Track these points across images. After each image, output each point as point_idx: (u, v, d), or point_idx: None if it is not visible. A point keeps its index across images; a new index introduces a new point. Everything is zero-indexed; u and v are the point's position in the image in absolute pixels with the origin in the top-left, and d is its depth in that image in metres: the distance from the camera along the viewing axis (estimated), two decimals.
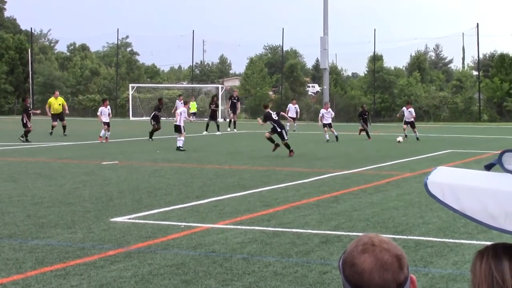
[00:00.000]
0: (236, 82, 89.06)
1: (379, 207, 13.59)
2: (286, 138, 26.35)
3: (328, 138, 34.55)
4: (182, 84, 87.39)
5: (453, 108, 63.00)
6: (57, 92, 41.71)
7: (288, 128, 41.91)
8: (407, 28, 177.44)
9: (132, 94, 67.49)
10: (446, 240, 10.49)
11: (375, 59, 68.91)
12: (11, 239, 10.30)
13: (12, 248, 9.73)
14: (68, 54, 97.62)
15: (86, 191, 15.55)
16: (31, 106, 35.56)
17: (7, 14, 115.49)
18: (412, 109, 37.79)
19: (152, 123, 35.02)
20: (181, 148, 27.67)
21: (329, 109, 36.63)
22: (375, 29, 68.34)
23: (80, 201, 14.08)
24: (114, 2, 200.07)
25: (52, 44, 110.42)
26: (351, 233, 10.87)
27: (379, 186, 16.93)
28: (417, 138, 34.81)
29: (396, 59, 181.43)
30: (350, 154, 26.79)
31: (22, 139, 32.09)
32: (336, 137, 34.36)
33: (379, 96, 66.45)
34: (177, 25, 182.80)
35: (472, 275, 2.17)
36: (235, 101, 45.39)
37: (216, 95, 49.05)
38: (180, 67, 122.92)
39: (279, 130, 26.32)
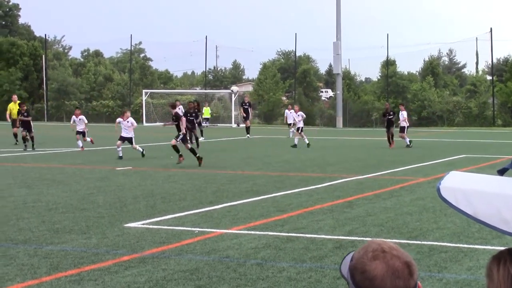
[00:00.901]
0: (249, 88, 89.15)
1: (393, 212, 13.57)
2: (178, 141, 24.44)
3: (296, 143, 33.74)
4: (195, 89, 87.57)
5: (466, 113, 62.80)
6: (15, 96, 39.70)
7: (291, 135, 41.90)
8: (420, 33, 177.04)
9: (145, 100, 67.67)
10: (461, 245, 10.46)
11: (388, 64, 68.82)
12: (26, 245, 10.35)
13: (27, 253, 9.78)
14: (81, 60, 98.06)
15: (100, 197, 15.60)
16: (24, 113, 33.80)
17: (21, 21, 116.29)
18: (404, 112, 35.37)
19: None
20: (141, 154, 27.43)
21: (300, 112, 35.45)
22: (388, 34, 68.32)
23: (94, 207, 14.13)
24: (127, 8, 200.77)
25: (66, 50, 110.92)
26: (365, 238, 10.85)
27: (393, 191, 16.90)
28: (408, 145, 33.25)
29: (409, 64, 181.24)
30: (364, 159, 26.75)
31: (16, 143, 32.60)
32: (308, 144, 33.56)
33: (392, 101, 66.27)
34: (190, 31, 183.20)
35: (488, 281, 2.17)
36: (246, 106, 45.38)
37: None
38: (193, 72, 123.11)
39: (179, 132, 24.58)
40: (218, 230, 11.59)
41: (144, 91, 70.09)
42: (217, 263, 9.22)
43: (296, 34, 71.44)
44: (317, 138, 43.61)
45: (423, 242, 10.64)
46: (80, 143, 30.85)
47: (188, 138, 25.16)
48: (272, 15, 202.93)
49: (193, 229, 11.68)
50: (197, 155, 24.28)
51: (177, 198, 15.54)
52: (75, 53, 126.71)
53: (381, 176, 20.48)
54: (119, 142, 26.66)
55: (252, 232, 11.48)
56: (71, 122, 32.06)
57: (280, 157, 27.73)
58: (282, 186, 17.89)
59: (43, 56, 79.42)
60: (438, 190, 2.18)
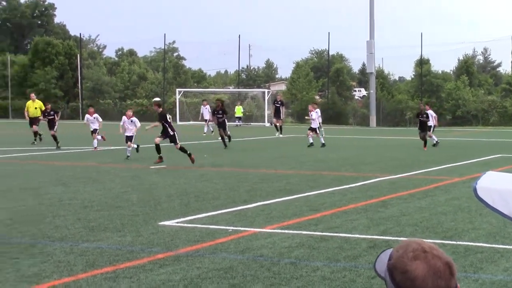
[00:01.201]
0: (282, 87, 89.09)
1: (428, 212, 13.48)
2: (178, 142, 24.19)
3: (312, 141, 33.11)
4: (229, 88, 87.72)
5: (502, 112, 62.16)
6: (33, 94, 37.80)
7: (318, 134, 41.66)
8: (455, 31, 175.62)
9: (179, 99, 67.93)
10: (497, 246, 10.36)
11: (422, 63, 68.35)
12: (62, 242, 10.45)
13: (63, 251, 9.87)
14: (116, 59, 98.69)
15: (134, 195, 15.70)
16: (51, 111, 33.26)
17: (56, 20, 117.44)
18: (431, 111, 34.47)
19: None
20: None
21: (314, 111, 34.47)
22: (421, 33, 67.86)
23: (128, 205, 14.23)
24: (161, 7, 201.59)
25: (100, 50, 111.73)
26: (399, 238, 10.79)
27: (428, 190, 16.79)
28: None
29: (444, 63, 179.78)
30: (398, 158, 26.61)
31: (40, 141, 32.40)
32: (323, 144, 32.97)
33: (426, 101, 65.84)
34: (223, 30, 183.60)
35: None
36: (278, 105, 45.24)
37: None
38: (226, 71, 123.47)
39: (171, 133, 24.15)
40: (251, 229, 11.61)
41: (177, 90, 70.34)
42: (251, 262, 9.24)
43: (329, 33, 71.23)
44: (350, 137, 43.46)
45: (458, 242, 10.56)
46: (95, 142, 30.18)
47: (176, 138, 24.23)
48: (305, 14, 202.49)
49: (227, 227, 11.71)
50: (188, 152, 23.92)
51: (210, 197, 15.58)
52: (110, 52, 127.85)
53: (415, 175, 20.36)
54: (128, 142, 26.16)
55: (286, 231, 11.48)
56: (85, 120, 31.35)
57: (313, 156, 27.67)
58: (315, 185, 17.86)
59: (78, 55, 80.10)
60: (475, 190, 2.17)
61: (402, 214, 13.25)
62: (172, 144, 24.34)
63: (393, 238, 10.88)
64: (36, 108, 34.96)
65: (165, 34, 79.53)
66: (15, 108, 72.66)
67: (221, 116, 32.24)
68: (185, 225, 12.03)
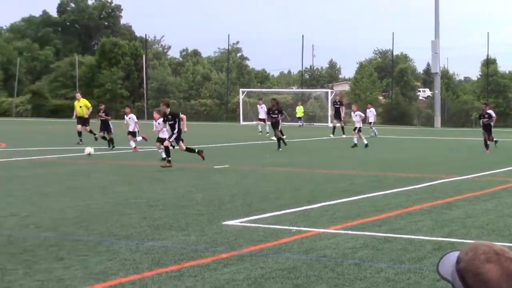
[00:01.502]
0: (346, 87, 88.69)
1: (494, 214, 13.27)
2: (171, 141, 23.18)
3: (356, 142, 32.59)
4: (292, 88, 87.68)
5: None
6: (79, 94, 36.93)
7: (372, 134, 41.32)
8: None
9: (242, 99, 68.22)
10: None
11: (489, 63, 67.23)
12: (128, 240, 10.61)
13: (129, 249, 10.02)
14: (180, 59, 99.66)
15: (198, 195, 15.84)
16: (102, 113, 31.58)
17: (123, 21, 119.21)
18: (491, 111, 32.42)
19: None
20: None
21: (358, 112, 34.00)
22: (488, 33, 66.80)
23: (193, 204, 14.36)
24: (225, 8, 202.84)
25: (165, 50, 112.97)
26: (465, 241, 10.65)
27: (494, 192, 16.52)
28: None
29: (511, 63, 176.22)
30: (463, 159, 26.24)
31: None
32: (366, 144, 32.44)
33: (492, 101, 64.69)
34: (286, 30, 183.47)
35: None
36: (337, 106, 44.91)
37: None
38: (289, 71, 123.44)
39: (176, 134, 23.21)
40: (315, 229, 11.60)
41: (241, 90, 70.63)
42: (314, 262, 9.24)
43: (393, 33, 70.64)
44: (415, 138, 43.02)
45: None
46: (133, 143, 29.06)
47: (181, 138, 23.38)
48: (368, 13, 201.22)
49: (290, 228, 11.72)
50: (196, 150, 23.65)
51: (274, 196, 15.62)
52: (174, 53, 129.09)
53: (481, 177, 20.05)
54: (158, 143, 25.22)
55: (350, 232, 11.44)
56: (124, 121, 30.30)
57: (377, 156, 27.48)
58: (379, 186, 17.74)
59: (144, 56, 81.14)
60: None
61: (468, 216, 13.07)
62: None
63: (459, 240, 10.74)
64: (81, 107, 34.61)
65: (229, 35, 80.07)
66: None
67: (275, 115, 32.05)
68: (249, 224, 12.09)
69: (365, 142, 32.55)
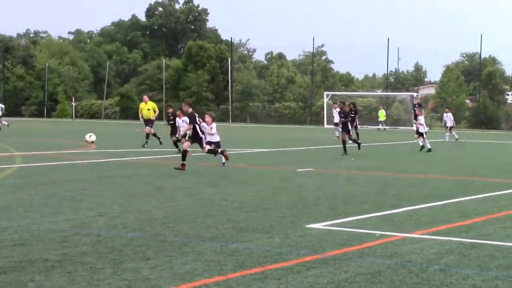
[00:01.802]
0: (431, 90, 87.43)
1: None
2: (204, 146, 22.73)
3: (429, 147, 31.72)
4: (376, 92, 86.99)
5: None
6: (146, 97, 35.91)
7: (447, 139, 40.42)
8: None
9: (326, 102, 68.06)
10: None
11: None
12: (212, 242, 10.74)
13: (214, 250, 10.14)
14: (265, 62, 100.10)
15: (282, 197, 15.89)
16: (170, 116, 30.85)
17: (209, 25, 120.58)
18: None
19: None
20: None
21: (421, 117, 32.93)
22: None
23: (277, 207, 14.42)
24: (310, 11, 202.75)
25: (250, 53, 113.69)
26: None
27: None
28: None
29: None
30: None
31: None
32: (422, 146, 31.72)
33: None
34: (372, 34, 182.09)
35: None
36: (415, 108, 44.18)
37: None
38: (374, 75, 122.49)
39: (200, 135, 22.65)
40: (399, 234, 11.50)
41: (325, 93, 70.50)
42: (399, 267, 9.16)
43: (481, 35, 69.39)
44: (503, 143, 42.08)
45: None
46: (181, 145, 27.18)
47: (203, 141, 22.76)
48: (455, 16, 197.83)
49: (374, 232, 11.65)
50: (220, 150, 23.08)
51: (358, 200, 15.54)
52: (259, 56, 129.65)
53: None
54: (206, 147, 23.71)
55: (435, 237, 11.29)
56: (177, 124, 28.98)
57: (462, 161, 27.03)
58: (465, 191, 17.44)
59: (229, 59, 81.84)
60: None
61: None
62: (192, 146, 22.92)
63: None
64: (148, 109, 34.46)
65: (313, 38, 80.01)
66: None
67: (353, 117, 31.65)
68: (333, 228, 12.06)
69: (429, 146, 31.74)
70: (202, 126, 23.06)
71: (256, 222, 12.52)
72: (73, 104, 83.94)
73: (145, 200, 15.27)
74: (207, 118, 23.22)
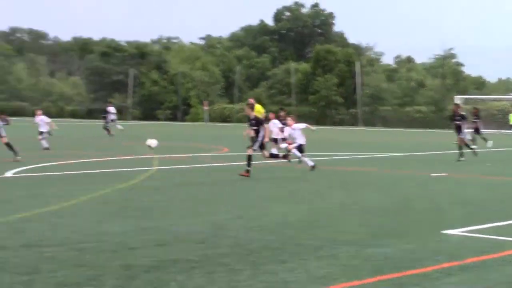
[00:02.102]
0: None
1: None
2: (266, 149, 21.97)
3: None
4: (511, 95, 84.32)
5: None
6: (252, 100, 35.63)
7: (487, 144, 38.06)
8: None
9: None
10: None
11: None
12: (347, 246, 10.73)
13: (349, 255, 10.13)
14: (394, 66, 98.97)
15: (417, 202, 15.70)
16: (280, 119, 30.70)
17: (335, 29, 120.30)
18: None
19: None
20: None
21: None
22: None
23: (411, 212, 14.26)
24: (439, 13, 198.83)
25: (378, 57, 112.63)
26: None
27: None
28: None
29: None
30: None
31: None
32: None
33: None
34: (505, 36, 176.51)
35: None
36: None
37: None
38: (508, 78, 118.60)
39: (261, 139, 21.57)
40: None
41: (456, 96, 68.94)
42: None
43: None
44: None
45: None
46: (274, 150, 26.51)
47: (265, 145, 21.88)
48: None
49: None
50: (281, 155, 22.70)
51: (495, 207, 15.15)
52: (388, 59, 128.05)
53: None
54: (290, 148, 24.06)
55: None
56: (267, 126, 26.45)
57: None
58: None
59: (358, 62, 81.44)
60: None
61: None
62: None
63: None
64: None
65: (443, 41, 78.39)
66: (299, 115, 75.62)
67: (458, 121, 30.65)
68: (470, 234, 11.81)
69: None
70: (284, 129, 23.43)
71: (390, 227, 12.43)
72: (205, 108, 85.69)
73: (280, 202, 15.45)
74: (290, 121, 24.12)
